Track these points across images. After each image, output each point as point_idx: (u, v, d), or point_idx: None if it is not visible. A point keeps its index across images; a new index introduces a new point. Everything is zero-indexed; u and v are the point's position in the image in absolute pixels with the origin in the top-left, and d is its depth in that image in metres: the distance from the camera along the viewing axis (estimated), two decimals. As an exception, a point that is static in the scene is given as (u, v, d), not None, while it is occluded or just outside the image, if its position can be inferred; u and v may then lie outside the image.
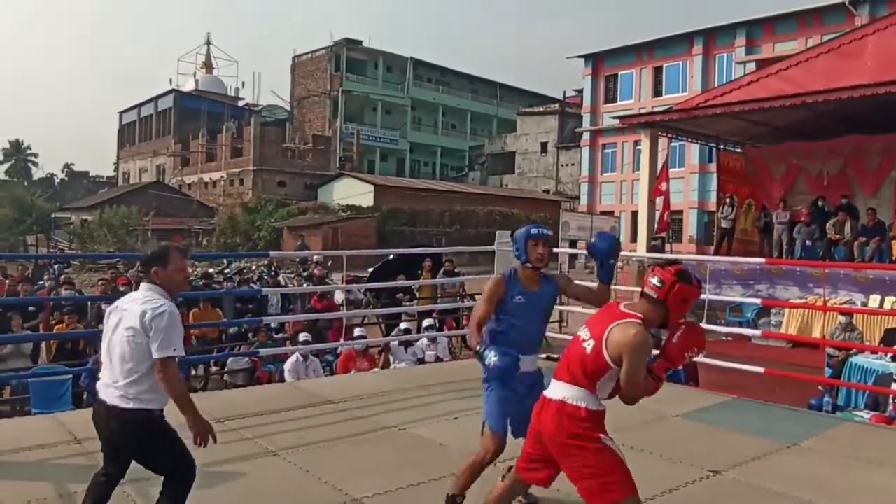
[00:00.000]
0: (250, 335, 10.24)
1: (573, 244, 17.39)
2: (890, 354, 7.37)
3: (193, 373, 9.23)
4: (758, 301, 9.12)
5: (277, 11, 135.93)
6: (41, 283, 14.59)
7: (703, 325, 7.45)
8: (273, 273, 17.34)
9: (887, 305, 10.96)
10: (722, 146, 17.33)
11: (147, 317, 2.87)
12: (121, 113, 61.81)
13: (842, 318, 9.30)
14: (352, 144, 46.17)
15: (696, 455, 4.48)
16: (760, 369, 6.04)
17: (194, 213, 43.17)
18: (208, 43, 60.52)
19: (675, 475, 4.13)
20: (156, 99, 56.01)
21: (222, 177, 45.47)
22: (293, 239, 32.02)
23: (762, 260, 9.97)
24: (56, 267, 19.15)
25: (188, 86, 57.21)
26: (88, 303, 10.38)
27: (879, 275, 11.22)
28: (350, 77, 48.67)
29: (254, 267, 19.86)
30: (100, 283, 12.07)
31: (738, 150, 17.46)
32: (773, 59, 20.35)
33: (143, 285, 3.05)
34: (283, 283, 16.09)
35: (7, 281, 13.28)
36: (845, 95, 12.42)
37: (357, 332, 9.26)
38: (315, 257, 15.83)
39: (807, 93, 13.14)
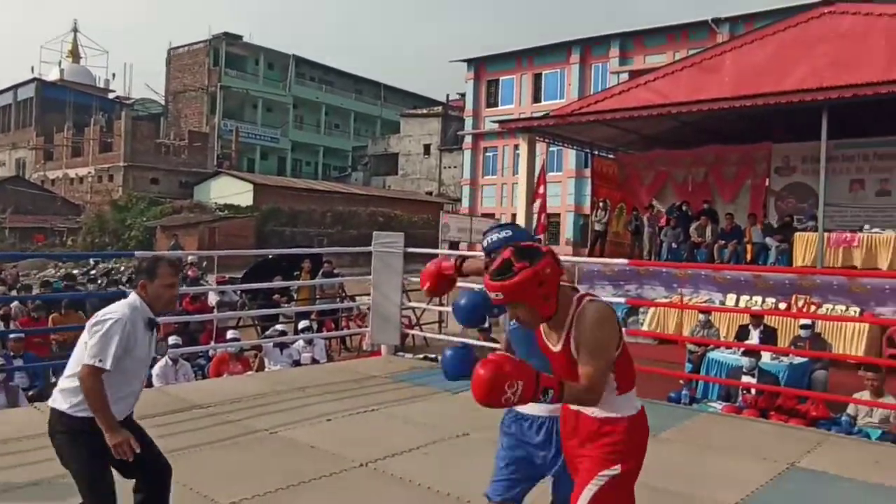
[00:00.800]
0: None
1: (454, 246, 17.60)
2: (741, 349, 7.89)
3: (53, 380, 8.68)
4: (623, 300, 9.53)
5: (152, 1, 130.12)
6: None
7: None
8: (143, 274, 16.55)
9: (742, 304, 11.72)
10: (596, 152, 18.01)
11: (91, 322, 2.81)
12: (-26, 101, 57.37)
13: (701, 316, 9.90)
14: (230, 142, 44.83)
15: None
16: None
17: (58, 210, 40.61)
18: (75, 30, 57.17)
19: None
20: (15, 87, 52.24)
21: (90, 173, 42.97)
22: (167, 239, 30.69)
23: (626, 261, 10.46)
24: None
25: (52, 75, 53.76)
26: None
27: (735, 275, 11.97)
28: (229, 72, 47.28)
29: (122, 268, 18.91)
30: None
31: (612, 156, 18.21)
32: (644, 70, 21.36)
33: (132, 295, 2.95)
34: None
35: None
36: (706, 107, 13.19)
37: (230, 334, 9.00)
38: (189, 258, 15.25)
39: (671, 104, 13.87)
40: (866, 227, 13.23)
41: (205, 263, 16.29)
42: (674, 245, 15.34)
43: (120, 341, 2.77)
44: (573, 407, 2.34)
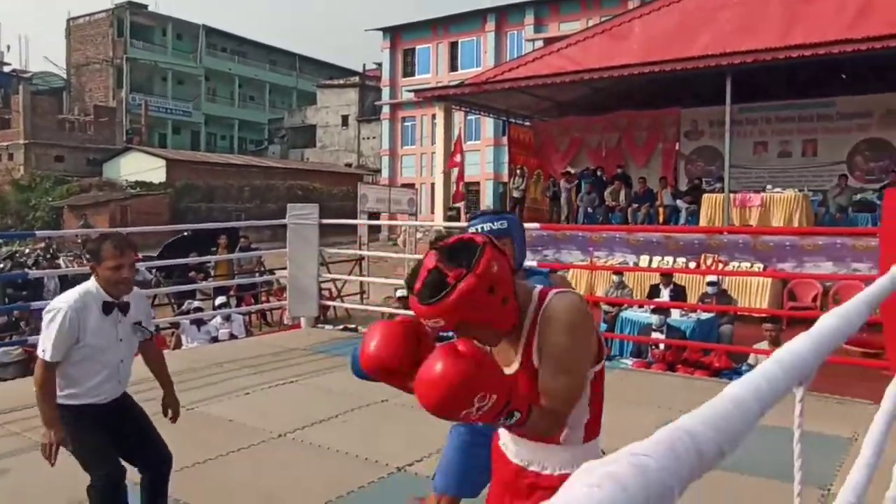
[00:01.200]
0: (22, 323, 9.37)
1: (373, 216, 17.57)
2: (650, 307, 8.20)
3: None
4: (533, 263, 9.73)
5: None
6: None
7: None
8: (51, 256, 15.91)
9: (654, 265, 12.14)
10: (512, 120, 18.19)
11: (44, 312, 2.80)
12: None
13: (614, 277, 10.22)
14: (140, 116, 43.17)
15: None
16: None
17: (-48, 192, 38.41)
18: (-37, 0, 53.65)
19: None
20: None
21: (-11, 151, 40.72)
22: (76, 219, 29.47)
23: (538, 225, 10.64)
24: None
25: (-60, 48, 50.46)
26: None
27: (647, 237, 12.37)
28: (135, 44, 45.34)
29: (27, 250, 18.08)
30: None
31: (527, 123, 18.42)
32: (559, 37, 21.59)
33: (90, 280, 2.84)
34: (63, 266, 14.81)
35: None
36: (616, 74, 13.49)
37: (146, 313, 8.77)
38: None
39: (583, 70, 14.11)
40: (769, 187, 13.87)
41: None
42: (589, 209, 15.70)
43: (60, 332, 2.70)
44: (525, 457, 1.75)
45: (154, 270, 11.75)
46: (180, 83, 48.06)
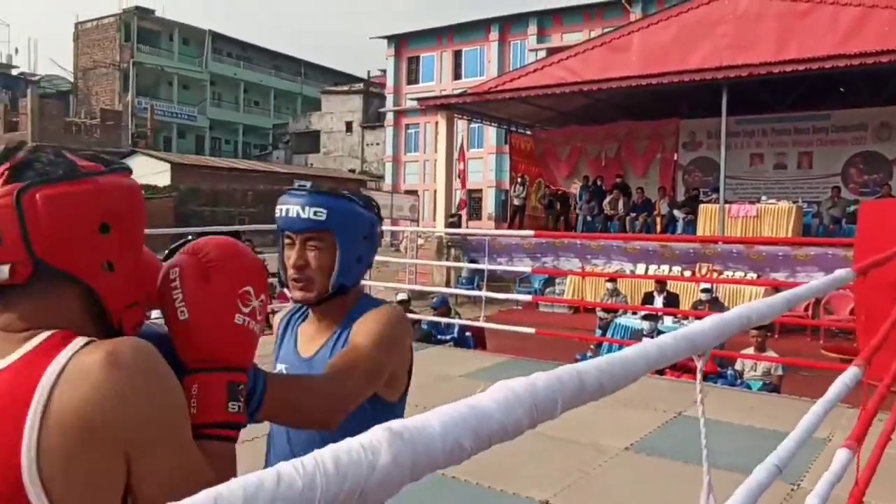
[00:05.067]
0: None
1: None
2: (641, 313, 8.45)
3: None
4: (528, 269, 10.03)
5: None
6: None
7: (490, 294, 8.14)
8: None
9: (650, 273, 12.39)
10: (514, 129, 18.48)
11: None
12: None
13: (609, 284, 10.47)
14: (146, 120, 43.53)
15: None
16: (531, 330, 6.73)
17: (-39, 193, 38.74)
18: (-27, 3, 54.18)
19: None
20: None
21: (-5, 153, 41.09)
22: (81, 221, 29.86)
23: (531, 232, 10.92)
24: None
25: (-51, 50, 50.95)
26: None
27: (644, 246, 12.64)
28: (142, 48, 45.76)
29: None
30: None
31: (528, 132, 18.71)
32: (561, 47, 21.92)
33: None
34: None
35: None
36: (615, 85, 13.78)
37: (155, 314, 9.02)
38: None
39: (583, 81, 14.42)
40: (763, 198, 14.13)
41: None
42: (588, 218, 15.97)
43: None
44: None
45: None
46: (186, 88, 48.48)
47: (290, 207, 1.44)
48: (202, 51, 48.73)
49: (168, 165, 36.19)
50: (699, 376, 1.18)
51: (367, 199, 1.52)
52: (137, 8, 45.85)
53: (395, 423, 0.51)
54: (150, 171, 35.98)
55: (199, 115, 48.53)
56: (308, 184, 1.49)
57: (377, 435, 0.48)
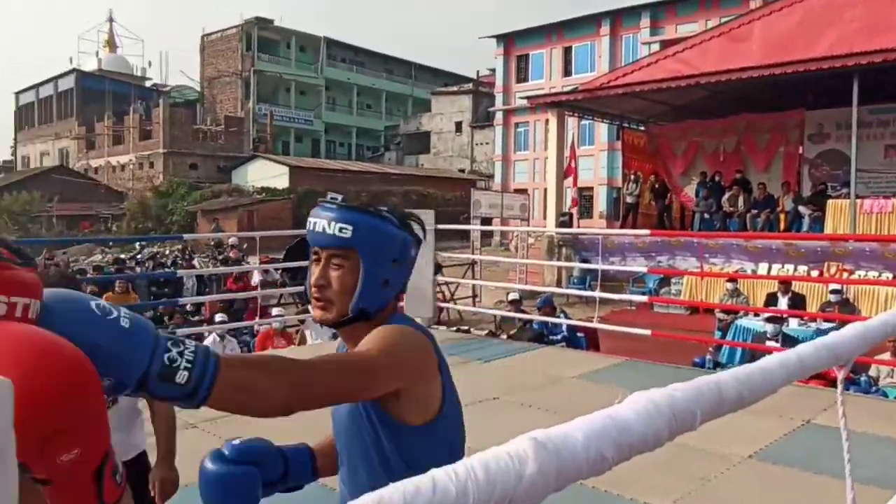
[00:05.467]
0: (166, 318, 10.25)
1: (485, 221, 17.91)
2: (764, 315, 8.06)
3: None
4: (643, 269, 9.76)
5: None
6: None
7: (603, 295, 8.01)
8: (187, 258, 17.14)
9: (774, 273, 11.82)
10: (626, 124, 18.07)
11: None
12: (17, 93, 58.74)
13: (729, 285, 10.05)
14: (265, 126, 45.47)
15: (585, 408, 4.89)
16: (648, 332, 6.56)
17: (102, 197, 41.70)
18: (111, 20, 58.12)
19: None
20: (55, 79, 53.45)
21: (131, 160, 44.03)
22: (207, 223, 31.49)
23: (647, 231, 10.61)
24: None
25: (90, 65, 54.84)
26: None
27: (767, 244, 12.06)
28: (262, 57, 47.79)
29: (167, 252, 19.56)
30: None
31: (642, 128, 18.25)
32: (676, 40, 21.27)
33: None
34: (198, 266, 15.97)
35: None
36: (735, 77, 13.22)
37: (275, 311, 9.42)
38: (230, 240, 15.77)
39: (700, 74, 13.91)
40: (901, 192, 13.20)
41: (245, 245, 16.81)
42: (706, 215, 15.42)
43: None
44: None
45: (280, 271, 12.52)
46: (303, 93, 50.24)
47: (318, 221, 1.33)
48: (317, 57, 50.36)
49: (286, 169, 37.68)
50: (840, 387, 1.11)
51: (406, 216, 1.39)
52: (258, 18, 47.93)
53: (539, 433, 0.51)
54: (269, 174, 37.58)
55: (314, 119, 50.20)
56: (339, 196, 1.36)
57: (522, 444, 0.49)
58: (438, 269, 12.75)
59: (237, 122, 44.47)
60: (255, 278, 12.11)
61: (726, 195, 15.21)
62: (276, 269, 12.25)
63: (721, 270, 12.29)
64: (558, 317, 9.69)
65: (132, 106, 45.45)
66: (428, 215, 7.66)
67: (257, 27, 47.77)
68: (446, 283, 12.45)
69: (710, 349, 8.38)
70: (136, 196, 38.97)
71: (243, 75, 47.30)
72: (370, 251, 1.29)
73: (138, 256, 18.04)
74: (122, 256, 17.98)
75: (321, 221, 1.31)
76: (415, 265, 1.41)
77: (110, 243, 26.43)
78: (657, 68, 15.37)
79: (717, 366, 7.59)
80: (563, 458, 0.48)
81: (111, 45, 57.41)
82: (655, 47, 26.25)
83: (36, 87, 55.62)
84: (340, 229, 1.28)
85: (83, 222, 37.20)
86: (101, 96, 48.47)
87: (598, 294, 7.45)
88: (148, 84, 55.24)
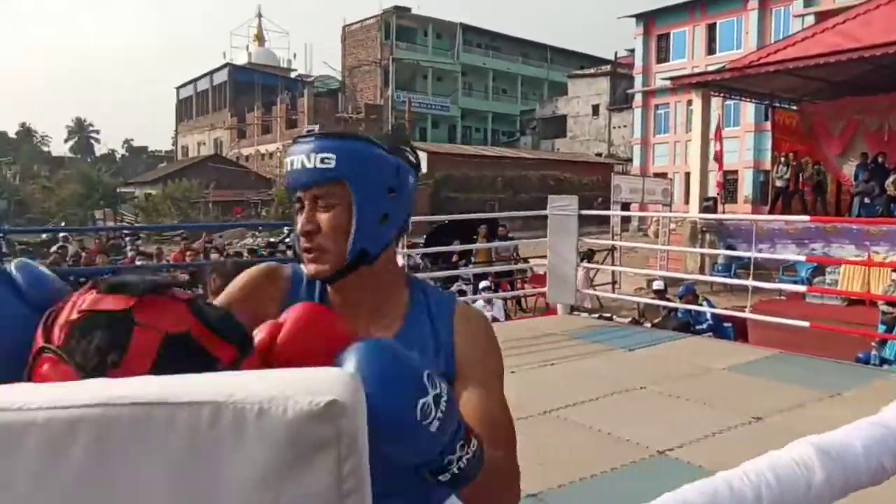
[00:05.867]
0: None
1: (625, 207, 17.52)
2: (938, 308, 7.45)
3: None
4: (803, 258, 9.23)
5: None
6: (126, 251, 15.54)
7: (755, 283, 7.67)
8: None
9: (946, 262, 10.88)
10: (776, 104, 17.09)
11: None
12: (177, 88, 63.30)
13: (894, 275, 9.35)
14: (403, 112, 46.51)
15: (738, 403, 4.74)
16: (806, 324, 6.24)
17: (252, 184, 44.23)
18: (259, 16, 61.40)
19: (718, 420, 4.41)
20: (211, 73, 57.15)
21: (278, 148, 46.39)
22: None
23: (807, 217, 9.98)
24: (127, 239, 20.13)
25: (241, 59, 58.21)
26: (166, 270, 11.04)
27: (938, 231, 11.12)
28: (400, 45, 48.83)
29: (287, 240, 20.52)
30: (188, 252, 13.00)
31: (794, 107, 17.20)
32: (833, 11, 19.81)
33: None
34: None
35: (83, 253, 14.11)
36: (906, 49, 12.20)
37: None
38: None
39: (864, 47, 12.91)
40: None
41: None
42: (866, 200, 14.38)
43: None
44: None
45: (422, 256, 12.86)
46: (439, 80, 50.94)
47: (296, 158, 1.11)
48: (453, 43, 50.85)
49: (425, 155, 38.38)
50: None
51: (397, 139, 1.22)
52: (396, 7, 48.98)
53: (818, 440, 0.53)
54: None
55: (451, 105, 50.81)
56: (316, 127, 1.13)
57: (806, 451, 0.51)
58: (590, 255, 12.70)
59: (376, 110, 45.79)
60: (399, 262, 12.50)
61: (891, 178, 14.11)
62: (419, 254, 12.58)
63: (885, 259, 11.43)
64: (701, 305, 9.38)
65: (279, 97, 47.82)
66: (572, 201, 7.63)
67: (395, 16, 48.82)
68: (587, 269, 12.34)
69: (874, 344, 7.85)
70: (283, 183, 40.96)
71: (382, 63, 48.52)
72: (361, 180, 1.09)
73: (286, 240, 19.03)
74: (272, 240, 19.03)
75: (299, 157, 1.10)
76: (414, 200, 1.22)
77: (259, 228, 28.00)
78: (813, 42, 14.41)
79: (883, 362, 7.11)
80: (847, 467, 0.51)
81: (260, 39, 60.58)
82: (810, 20, 24.57)
83: (194, 81, 59.71)
84: (322, 160, 1.08)
85: (236, 208, 39.62)
86: (251, 88, 51.32)
87: (750, 283, 7.14)
88: (293, 75, 57.87)
